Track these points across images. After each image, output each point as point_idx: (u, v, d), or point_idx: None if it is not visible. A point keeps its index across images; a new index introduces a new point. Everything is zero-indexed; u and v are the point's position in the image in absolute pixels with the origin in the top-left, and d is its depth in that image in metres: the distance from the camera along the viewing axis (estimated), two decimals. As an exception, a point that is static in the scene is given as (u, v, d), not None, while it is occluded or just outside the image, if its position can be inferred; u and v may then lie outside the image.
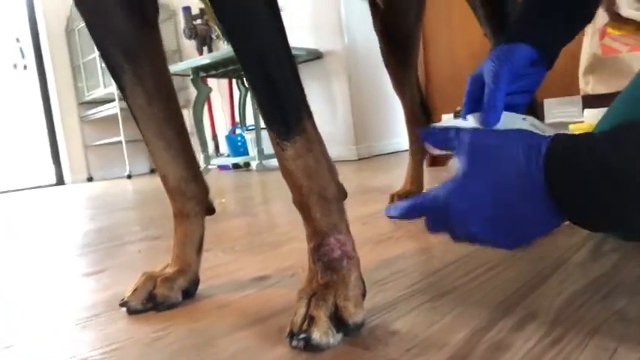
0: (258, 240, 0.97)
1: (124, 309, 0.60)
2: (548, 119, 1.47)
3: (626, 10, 1.36)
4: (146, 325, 0.55)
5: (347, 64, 3.28)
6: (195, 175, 0.66)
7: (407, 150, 1.15)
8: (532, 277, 0.56)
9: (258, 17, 0.46)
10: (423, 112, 1.10)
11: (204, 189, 0.67)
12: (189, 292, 0.62)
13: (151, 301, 0.59)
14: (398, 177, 1.91)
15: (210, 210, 0.67)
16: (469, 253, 0.70)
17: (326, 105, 3.34)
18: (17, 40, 4.54)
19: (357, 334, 0.45)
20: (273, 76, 0.47)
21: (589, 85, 1.42)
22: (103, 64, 3.55)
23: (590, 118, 1.15)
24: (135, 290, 0.60)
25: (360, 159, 3.24)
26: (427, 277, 0.61)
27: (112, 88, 4.14)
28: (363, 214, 1.09)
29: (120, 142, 4.29)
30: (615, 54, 1.34)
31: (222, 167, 3.93)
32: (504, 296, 0.52)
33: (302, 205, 0.49)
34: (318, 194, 0.48)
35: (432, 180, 1.31)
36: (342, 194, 0.50)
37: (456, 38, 1.95)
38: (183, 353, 0.47)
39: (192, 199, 0.65)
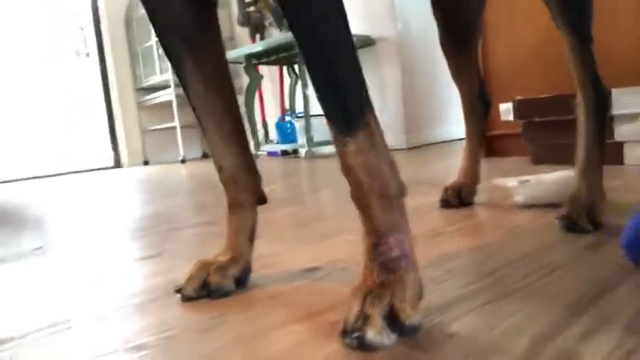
0: (307, 230, 0.97)
1: (178, 296, 0.61)
2: (616, 110, 1.38)
3: None
4: (200, 313, 0.56)
5: (399, 51, 3.21)
6: (249, 165, 0.66)
7: (459, 139, 1.12)
8: (601, 281, 0.52)
9: (322, 6, 0.45)
10: (482, 102, 1.05)
11: (257, 179, 0.67)
12: (242, 281, 0.63)
13: (204, 289, 0.60)
14: (450, 167, 1.86)
15: (262, 200, 0.68)
16: (530, 253, 0.66)
17: (377, 92, 3.29)
18: (81, 28, 4.75)
19: (412, 335, 0.44)
20: (336, 68, 0.45)
21: (664, 74, 1.31)
22: (160, 51, 3.67)
23: (665, 110, 1.06)
24: (189, 278, 0.61)
25: (410, 148, 3.18)
26: (485, 276, 0.59)
27: (168, 75, 4.26)
28: (415, 207, 1.07)
29: (174, 128, 4.42)
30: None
31: (271, 154, 3.97)
32: (570, 300, 0.49)
33: (361, 201, 0.48)
34: (379, 191, 0.47)
35: (490, 171, 1.26)
36: (403, 191, 0.49)
37: (518, 25, 1.86)
38: (239, 343, 0.47)
39: (245, 189, 0.65)
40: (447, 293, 0.54)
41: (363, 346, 0.41)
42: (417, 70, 3.29)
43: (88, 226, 1.32)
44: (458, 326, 0.46)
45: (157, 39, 4.12)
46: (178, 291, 0.61)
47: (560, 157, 1.46)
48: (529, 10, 1.79)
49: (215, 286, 0.60)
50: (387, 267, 0.45)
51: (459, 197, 1.02)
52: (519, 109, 1.66)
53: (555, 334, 0.42)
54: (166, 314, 0.57)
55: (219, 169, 0.65)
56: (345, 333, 0.43)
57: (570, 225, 0.75)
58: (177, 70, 0.62)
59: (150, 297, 0.64)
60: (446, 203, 1.02)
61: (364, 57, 3.32)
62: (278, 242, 0.88)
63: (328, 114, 0.47)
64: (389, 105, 3.27)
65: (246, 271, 0.64)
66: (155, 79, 4.50)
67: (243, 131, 0.66)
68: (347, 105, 0.46)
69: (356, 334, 0.42)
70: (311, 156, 3.18)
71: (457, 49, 1.01)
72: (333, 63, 0.45)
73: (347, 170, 0.48)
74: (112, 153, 4.87)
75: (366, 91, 0.47)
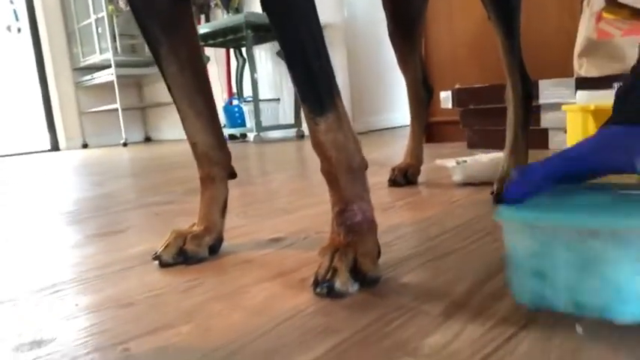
0: (267, 206, 1.03)
1: (155, 263, 0.67)
2: (542, 100, 1.54)
3: (622, -5, 1.41)
4: (179, 276, 0.62)
5: (346, 37, 3.30)
6: (220, 142, 0.72)
7: (404, 125, 1.21)
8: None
9: (301, 7, 0.51)
10: (425, 89, 1.15)
11: (228, 155, 0.73)
12: (215, 249, 0.69)
13: (181, 256, 0.66)
14: (396, 151, 1.97)
15: (232, 174, 0.74)
16: (466, 222, 0.77)
17: (324, 78, 3.36)
18: (11, 1, 4.47)
19: (372, 285, 0.52)
20: (311, 58, 0.52)
21: (582, 68, 1.47)
22: (100, 30, 3.54)
23: (581, 100, 1.21)
24: (166, 246, 0.67)
25: (358, 133, 3.29)
26: (429, 240, 0.68)
27: (108, 55, 4.12)
28: (365, 185, 1.15)
29: (116, 110, 4.29)
30: (609, 38, 1.40)
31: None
32: (499, 257, 0.59)
33: (330, 174, 0.55)
34: (345, 165, 0.54)
35: (431, 155, 1.37)
36: (365, 165, 0.57)
37: (457, 19, 1.99)
38: (220, 298, 0.53)
39: (217, 164, 0.71)
40: (398, 254, 0.63)
41: (331, 293, 0.50)
42: (364, 57, 3.40)
43: (37, 208, 1.31)
44: (408, 278, 0.54)
45: (95, 17, 3.97)
46: (156, 258, 0.66)
47: (493, 142, 1.60)
48: (467, 4, 1.92)
49: (191, 253, 0.66)
50: (352, 229, 0.53)
51: (405, 177, 1.12)
52: (458, 97, 1.80)
53: (486, 281, 0.52)
54: (147, 278, 0.62)
55: (193, 146, 0.70)
56: (316, 284, 0.51)
57: (501, 198, 0.86)
58: (155, 53, 0.67)
59: (127, 265, 0.68)
60: (393, 182, 1.12)
61: (312, 43, 3.37)
62: (242, 217, 0.94)
63: (303, 97, 0.54)
64: (336, 91, 3.36)
65: (219, 240, 0.70)
66: (94, 59, 4.34)
67: (216, 111, 0.72)
68: (320, 90, 0.53)
69: (326, 284, 0.50)
70: (260, 141, 3.22)
71: (404, 40, 1.10)
72: (308, 54, 0.52)
73: (318, 146, 0.55)
74: (48, 135, 4.65)
75: (334, 77, 0.55)
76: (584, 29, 1.44)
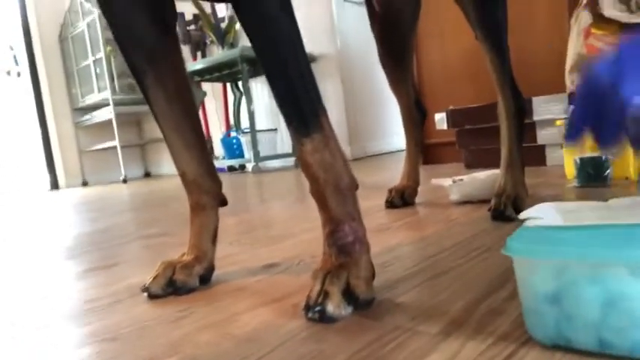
0: (262, 234, 1.01)
1: (144, 295, 0.64)
2: (537, 116, 1.53)
3: (609, 10, 1.42)
4: (169, 307, 0.60)
5: (340, 66, 3.34)
6: (209, 170, 0.71)
7: (400, 150, 1.20)
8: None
9: (279, 24, 0.51)
10: (418, 110, 1.15)
11: (218, 183, 0.72)
12: (206, 279, 0.67)
13: (170, 287, 0.64)
14: (393, 174, 1.96)
15: (223, 202, 0.72)
16: (464, 239, 0.75)
17: (320, 107, 3.39)
18: (11, 48, 4.56)
19: (366, 308, 0.50)
20: (294, 79, 0.52)
21: (574, 84, 1.48)
22: (98, 70, 3.58)
23: (575, 114, 1.20)
24: (155, 277, 0.65)
25: (354, 159, 3.29)
26: (425, 260, 0.66)
27: (107, 93, 4.17)
28: (364, 208, 1.12)
29: (115, 147, 4.31)
30: (599, 53, 1.40)
31: (217, 170, 3.96)
32: (498, 273, 0.57)
33: (319, 195, 0.54)
34: (333, 185, 0.53)
35: (428, 176, 1.36)
36: (355, 185, 0.55)
37: (448, 39, 2.01)
38: (209, 327, 0.51)
39: (207, 192, 0.70)
40: (394, 274, 0.61)
41: (323, 318, 0.48)
42: (358, 84, 3.43)
43: (34, 244, 1.29)
44: (404, 299, 0.52)
45: (94, 58, 4.02)
46: (145, 290, 0.64)
47: (490, 160, 1.59)
48: (458, 25, 1.94)
49: (181, 283, 0.64)
50: (343, 250, 0.51)
51: (402, 198, 1.10)
52: (452, 118, 1.80)
53: (485, 298, 0.50)
54: (135, 311, 0.60)
55: (182, 175, 0.69)
56: (307, 308, 0.49)
57: (498, 215, 0.84)
58: (141, 84, 0.66)
59: (115, 299, 0.66)
60: (390, 204, 1.10)
61: (306, 73, 3.41)
62: (235, 245, 0.92)
63: (288, 119, 0.53)
64: (332, 118, 3.34)
65: (210, 269, 0.68)
66: (93, 98, 4.38)
67: (204, 139, 0.71)
68: (304, 110, 0.52)
69: (318, 309, 0.48)
70: (258, 170, 3.21)
71: (394, 63, 1.10)
72: (291, 75, 0.52)
73: (305, 167, 0.53)
74: (47, 175, 4.66)
75: (320, 98, 0.54)
76: (574, 45, 1.45)
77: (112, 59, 4.24)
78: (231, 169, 3.85)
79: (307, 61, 0.53)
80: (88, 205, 2.49)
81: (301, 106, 0.52)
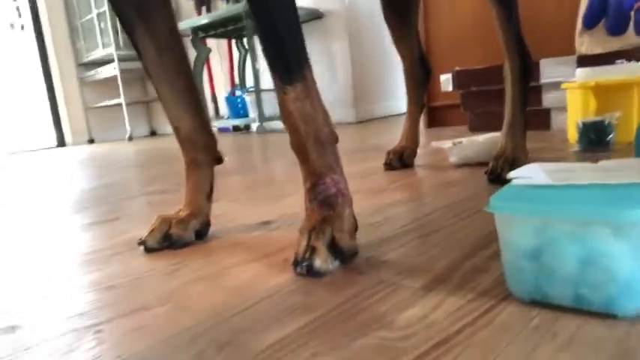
0: (261, 192, 1.02)
1: (141, 248, 0.66)
2: (543, 79, 1.51)
3: (624, -31, 1.37)
4: (164, 260, 0.61)
5: (347, 24, 3.26)
6: (204, 126, 0.70)
7: (404, 113, 1.19)
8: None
9: None
10: (422, 68, 1.13)
11: (213, 140, 0.72)
12: (202, 234, 0.68)
13: (166, 241, 0.65)
14: (395, 137, 1.95)
15: (218, 159, 0.73)
16: (457, 201, 0.75)
17: (325, 67, 3.34)
18: (13, -1, 4.49)
19: (352, 261, 0.51)
20: (280, 26, 0.51)
21: (583, 46, 1.44)
22: (102, 25, 3.53)
23: (580, 77, 1.18)
24: (151, 231, 0.66)
25: (359, 122, 3.27)
26: (417, 219, 0.67)
27: (111, 49, 4.12)
28: (362, 170, 1.15)
29: (120, 105, 4.30)
30: (611, 14, 1.36)
31: (222, 129, 3.96)
32: (486, 232, 0.57)
33: (299, 146, 0.54)
34: (314, 137, 0.53)
35: (431, 139, 1.35)
36: (335, 138, 0.55)
37: (458, 7, 1.96)
38: (202, 280, 0.53)
39: (202, 148, 0.70)
40: (384, 233, 0.62)
41: (311, 272, 0.49)
42: (366, 44, 3.36)
43: (41, 199, 1.32)
44: (391, 255, 0.53)
45: (97, 11, 3.95)
46: (142, 243, 0.66)
47: (495, 123, 1.57)
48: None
49: (176, 237, 0.65)
50: (326, 203, 0.52)
51: (400, 160, 1.10)
52: (458, 79, 1.77)
53: (470, 256, 0.50)
54: (132, 263, 0.62)
55: (176, 130, 0.69)
56: (296, 263, 0.50)
57: (495, 178, 0.84)
58: (131, 37, 0.66)
59: (115, 251, 0.68)
60: (389, 166, 1.11)
61: (312, 30, 3.35)
62: (234, 203, 0.93)
63: (272, 66, 0.53)
64: (338, 78, 3.33)
65: (206, 225, 0.70)
66: (98, 54, 4.34)
67: (197, 94, 0.70)
68: (288, 59, 0.52)
69: (305, 264, 0.49)
70: (263, 131, 3.20)
71: (398, 18, 1.08)
72: (278, 23, 0.51)
73: (287, 117, 0.54)
74: (54, 132, 4.68)
75: (305, 50, 0.54)
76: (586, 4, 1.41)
77: (116, 14, 4.18)
78: (236, 129, 3.84)
79: (295, 10, 0.53)
80: (93, 161, 2.51)
81: (287, 55, 0.52)
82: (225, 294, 0.48)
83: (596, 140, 1.07)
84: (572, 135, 1.18)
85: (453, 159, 1.06)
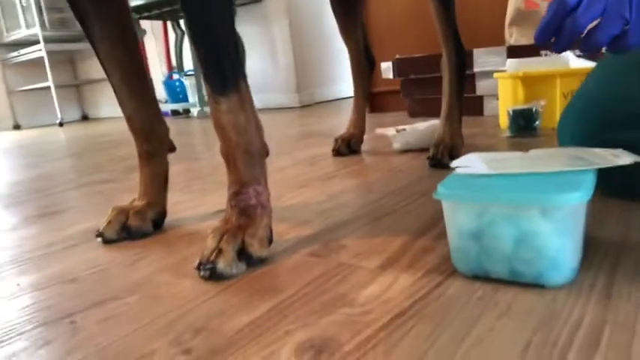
0: (212, 180, 1.03)
1: (99, 240, 0.66)
2: (477, 68, 1.60)
3: (547, -34, 1.48)
4: (125, 250, 0.62)
5: (288, 8, 3.25)
6: (157, 115, 0.71)
7: (349, 97, 1.23)
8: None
9: None
10: (367, 59, 1.18)
11: (165, 129, 0.72)
12: (159, 224, 0.69)
13: (124, 232, 0.66)
14: (340, 123, 2.00)
15: (171, 148, 0.73)
16: (403, 185, 0.81)
17: (266, 51, 3.33)
18: None
19: (258, 265, 0.52)
20: (216, 35, 0.52)
21: (512, 37, 1.55)
22: (24, 2, 3.28)
23: (510, 68, 1.28)
24: (109, 222, 0.66)
25: (302, 106, 3.29)
26: (368, 205, 0.72)
27: (36, 29, 3.86)
28: (310, 156, 1.18)
29: (48, 88, 4.06)
30: (536, 8, 1.47)
31: (160, 114, 3.84)
32: (431, 214, 0.63)
33: (228, 155, 0.55)
34: (244, 148, 0.54)
35: (373, 124, 1.40)
36: (265, 151, 0.57)
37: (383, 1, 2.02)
38: (166, 269, 0.54)
39: (155, 138, 0.70)
40: (339, 219, 0.66)
41: (214, 275, 0.49)
42: (307, 29, 3.37)
43: (-30, 191, 1.25)
44: (347, 240, 0.58)
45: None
46: (99, 235, 0.66)
47: (433, 110, 1.66)
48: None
49: (135, 228, 0.66)
50: (245, 212, 0.53)
51: (348, 146, 1.15)
52: (398, 67, 1.84)
53: (419, 237, 0.56)
54: (91, 254, 0.62)
55: (129, 120, 0.69)
56: (199, 266, 0.50)
57: (436, 163, 0.91)
58: (84, 25, 0.65)
59: (70, 243, 0.68)
60: (337, 152, 1.15)
61: (252, 14, 3.31)
62: (185, 192, 0.94)
63: (206, 75, 0.53)
64: (279, 63, 3.33)
65: (163, 214, 0.71)
66: (21, 34, 4.05)
67: (150, 84, 0.71)
68: (222, 69, 0.52)
69: (209, 266, 0.49)
70: (204, 115, 3.15)
71: (345, 10, 1.11)
72: (214, 33, 0.52)
73: (218, 127, 0.54)
74: (-27, 117, 4.35)
75: (242, 63, 0.54)
76: (513, 1, 1.51)
77: (40, -9, 3.91)
78: (174, 112, 3.74)
79: (232, 19, 0.53)
80: (21, 150, 2.37)
81: (221, 65, 0.52)
82: (192, 282, 0.50)
83: (524, 126, 1.16)
84: (504, 121, 1.27)
85: (396, 145, 1.12)
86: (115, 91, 0.68)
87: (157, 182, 0.71)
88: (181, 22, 3.51)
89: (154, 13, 3.33)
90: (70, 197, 1.02)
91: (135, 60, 0.68)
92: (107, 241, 0.65)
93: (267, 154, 0.57)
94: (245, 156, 0.54)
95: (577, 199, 0.38)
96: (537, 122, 1.15)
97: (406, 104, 1.90)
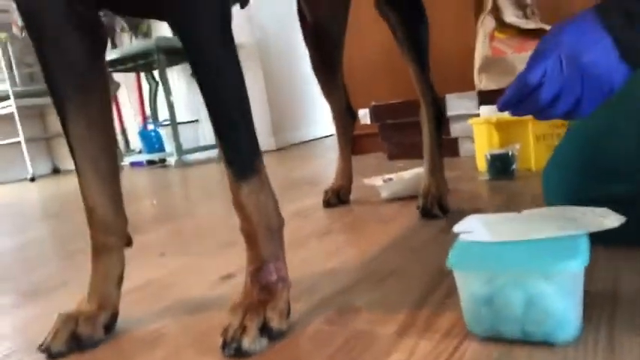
0: (212, 241, 1.05)
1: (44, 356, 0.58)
2: (450, 112, 1.68)
3: (509, 17, 1.59)
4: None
5: (260, 57, 3.34)
6: (119, 207, 0.66)
7: (325, 136, 1.27)
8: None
9: (226, 69, 0.55)
10: (348, 112, 1.24)
11: (124, 221, 0.67)
12: (110, 328, 0.63)
13: (74, 341, 0.59)
14: (322, 167, 2.05)
15: (128, 242, 0.68)
16: (401, 238, 0.84)
17: (242, 98, 3.38)
18: None
19: (279, 339, 0.53)
20: (237, 126, 0.55)
21: (482, 83, 1.64)
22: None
23: (484, 113, 1.36)
24: (56, 332, 0.59)
25: (279, 149, 3.34)
26: (370, 263, 0.75)
27: (6, 85, 3.84)
28: (301, 209, 1.21)
29: (19, 143, 4.00)
30: (503, 55, 1.57)
31: (134, 164, 3.82)
32: (434, 272, 0.65)
33: (249, 233, 0.57)
34: (265, 225, 0.56)
35: (357, 168, 1.39)
36: (282, 223, 0.59)
37: (368, 40, 2.12)
38: None
39: (114, 232, 0.65)
40: (344, 281, 0.68)
41: (239, 353, 0.50)
42: (280, 74, 3.46)
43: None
44: (360, 303, 0.60)
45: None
46: (45, 350, 0.58)
47: (411, 153, 1.73)
48: (376, 22, 2.05)
49: (87, 337, 0.59)
50: (266, 288, 0.55)
51: (338, 197, 1.19)
52: (375, 113, 1.91)
53: (427, 297, 0.59)
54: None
55: (90, 211, 0.64)
56: (224, 345, 0.51)
57: (426, 213, 0.95)
58: (61, 109, 0.62)
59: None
60: (328, 203, 1.19)
61: (226, 63, 3.37)
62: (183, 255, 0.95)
63: (228, 162, 0.56)
64: (255, 109, 3.34)
65: (115, 316, 0.64)
66: (-11, 90, 4.01)
67: (118, 174, 0.67)
68: (243, 156, 0.56)
69: (234, 345, 0.50)
70: (181, 165, 3.16)
71: (326, 70, 1.17)
72: (235, 122, 0.55)
73: (239, 207, 0.56)
74: (-61, 176, 4.22)
75: (257, 142, 0.57)
76: (481, 48, 1.61)
77: (9, 46, 3.91)
78: (150, 162, 3.73)
79: (249, 108, 0.56)
80: (-2, 210, 2.32)
81: (242, 151, 0.56)
82: None
83: (502, 170, 1.23)
84: (482, 164, 1.34)
85: (384, 194, 1.16)
86: (80, 177, 0.63)
87: (111, 280, 0.64)
88: (155, 73, 3.55)
89: (128, 66, 3.37)
90: (66, 269, 1.01)
91: (108, 148, 0.65)
92: (55, 356, 0.58)
93: (283, 224, 0.59)
94: (266, 233, 0.56)
95: (577, 266, 0.43)
96: (514, 165, 1.22)
97: (385, 147, 1.97)
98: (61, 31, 0.59)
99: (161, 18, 0.73)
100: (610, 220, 0.49)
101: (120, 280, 0.65)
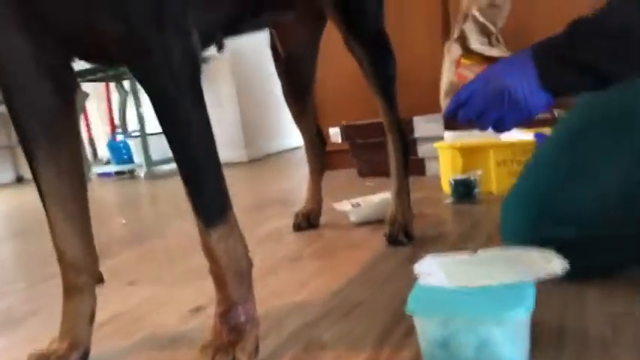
0: (183, 267, 1.05)
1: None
2: (417, 134, 1.74)
3: (474, 44, 1.66)
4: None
5: (232, 68, 3.35)
6: (90, 248, 0.67)
7: (294, 148, 1.29)
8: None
9: (194, 124, 0.56)
10: (318, 138, 1.27)
11: (95, 260, 0.68)
12: None
13: None
14: (294, 182, 2.07)
15: (99, 279, 0.69)
16: (368, 267, 0.88)
17: (214, 109, 3.32)
18: None
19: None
20: (205, 176, 0.57)
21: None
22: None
23: (448, 139, 1.42)
24: None
25: (250, 161, 3.35)
26: (338, 294, 0.78)
27: (-33, 92, 3.73)
28: (272, 231, 1.23)
29: (-20, 151, 3.88)
30: (467, 80, 1.63)
31: (102, 175, 3.76)
32: (396, 306, 0.67)
33: (218, 276, 0.58)
34: (234, 269, 0.58)
35: (327, 185, 1.39)
36: (250, 265, 0.61)
37: (338, 63, 2.15)
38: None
39: (85, 272, 0.66)
40: (312, 314, 0.71)
41: None
42: (253, 87, 3.48)
43: None
44: (327, 336, 0.63)
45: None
46: None
47: (379, 170, 1.77)
48: (347, 53, 2.09)
49: None
50: (235, 329, 0.57)
51: (308, 221, 1.22)
52: (346, 132, 1.96)
53: (391, 332, 0.62)
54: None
55: (60, 254, 0.64)
56: None
57: (393, 241, 0.99)
58: (30, 155, 0.62)
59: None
60: (298, 227, 1.21)
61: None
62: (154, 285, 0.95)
63: (196, 210, 0.57)
64: (227, 121, 3.39)
65: (86, 355, 0.65)
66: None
67: (88, 216, 0.67)
68: (211, 205, 0.58)
69: None
70: (151, 176, 3.13)
71: (297, 99, 1.21)
72: (201, 171, 0.57)
73: (208, 252, 0.58)
74: None
75: (226, 190, 0.59)
76: (447, 74, 1.67)
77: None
78: (119, 173, 3.68)
79: (217, 158, 0.58)
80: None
81: (209, 200, 0.58)
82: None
83: (464, 194, 1.28)
84: (446, 187, 1.39)
85: (353, 219, 1.20)
86: (50, 222, 0.64)
87: (82, 319, 0.65)
88: (125, 83, 3.51)
89: (98, 76, 3.32)
90: (38, 297, 1.00)
91: (79, 193, 0.66)
92: None
93: (251, 266, 0.61)
94: (235, 276, 0.58)
95: (523, 314, 0.47)
96: (476, 190, 1.28)
97: (355, 164, 2.01)
98: (30, 78, 0.59)
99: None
100: (554, 264, 0.54)
101: (91, 318, 0.66)
